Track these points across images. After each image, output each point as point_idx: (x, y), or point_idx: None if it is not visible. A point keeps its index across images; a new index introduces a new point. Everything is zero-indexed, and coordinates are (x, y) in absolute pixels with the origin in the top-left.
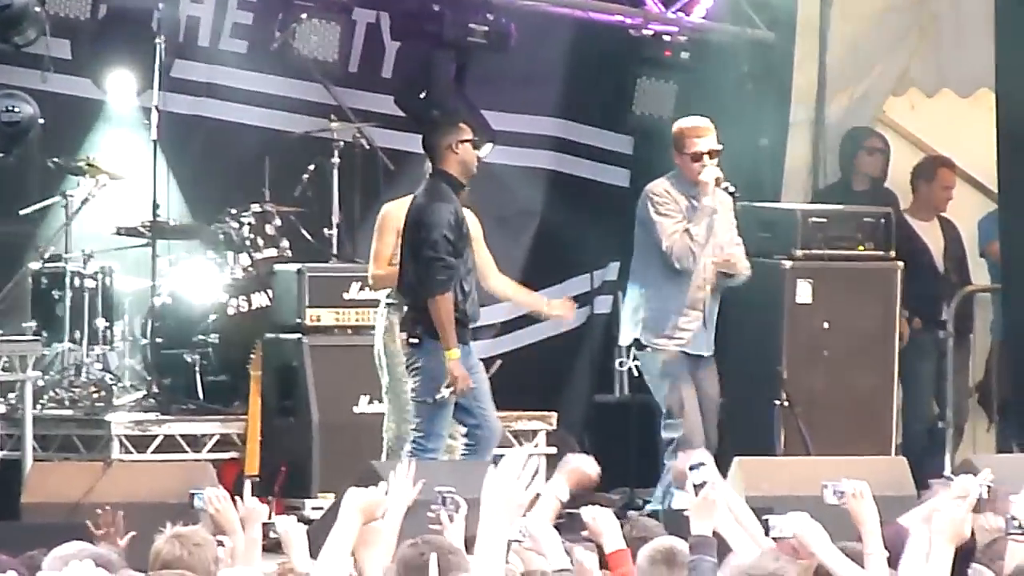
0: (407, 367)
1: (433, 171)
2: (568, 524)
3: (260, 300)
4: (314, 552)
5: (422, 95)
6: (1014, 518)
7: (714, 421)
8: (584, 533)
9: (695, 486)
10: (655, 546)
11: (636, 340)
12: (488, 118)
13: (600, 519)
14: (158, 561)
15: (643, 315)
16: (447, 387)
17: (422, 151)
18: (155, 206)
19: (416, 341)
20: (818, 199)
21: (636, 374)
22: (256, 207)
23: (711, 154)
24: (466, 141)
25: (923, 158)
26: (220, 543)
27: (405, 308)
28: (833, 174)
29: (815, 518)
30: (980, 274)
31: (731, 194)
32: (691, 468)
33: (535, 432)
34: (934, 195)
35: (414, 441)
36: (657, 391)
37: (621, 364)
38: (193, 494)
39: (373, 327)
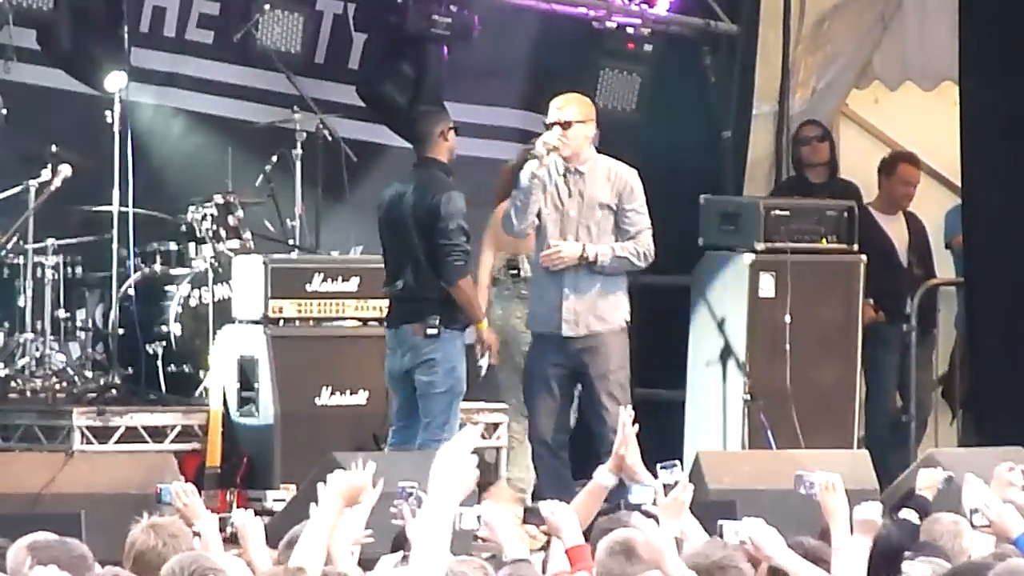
0: (422, 359)
1: (423, 159)
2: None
3: (222, 291)
4: (272, 544)
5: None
6: (975, 510)
7: (607, 397)
8: (543, 528)
9: (666, 486)
10: (614, 538)
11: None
12: (452, 110)
13: (559, 514)
14: (133, 551)
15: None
16: (483, 356)
17: (385, 142)
18: (118, 196)
19: (435, 332)
20: (779, 192)
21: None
22: (219, 198)
23: (563, 125)
24: (452, 128)
25: (888, 153)
26: (196, 534)
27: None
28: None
29: (779, 512)
30: (945, 267)
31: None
32: (662, 467)
33: (497, 424)
34: (894, 190)
35: (429, 431)
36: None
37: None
38: (159, 488)
39: (335, 318)
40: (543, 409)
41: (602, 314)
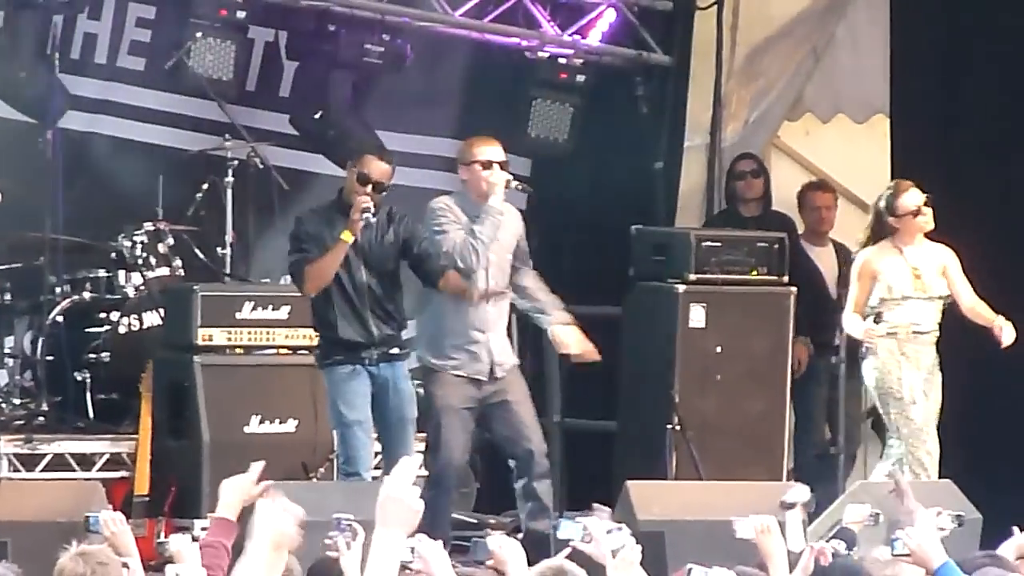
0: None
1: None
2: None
3: (152, 319)
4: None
5: (318, 115)
6: (896, 538)
7: (530, 433)
8: (490, 562)
9: (613, 551)
10: (548, 564)
11: (419, 360)
12: (386, 139)
13: (505, 548)
14: None
15: (426, 336)
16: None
17: (317, 171)
18: (48, 223)
19: (318, 366)
20: (711, 224)
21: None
22: (149, 225)
23: (502, 165)
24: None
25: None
26: (125, 564)
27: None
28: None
29: (708, 543)
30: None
31: (526, 193)
32: (608, 532)
33: (425, 454)
34: (810, 219)
35: (339, 467)
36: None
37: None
38: (88, 516)
39: (265, 347)
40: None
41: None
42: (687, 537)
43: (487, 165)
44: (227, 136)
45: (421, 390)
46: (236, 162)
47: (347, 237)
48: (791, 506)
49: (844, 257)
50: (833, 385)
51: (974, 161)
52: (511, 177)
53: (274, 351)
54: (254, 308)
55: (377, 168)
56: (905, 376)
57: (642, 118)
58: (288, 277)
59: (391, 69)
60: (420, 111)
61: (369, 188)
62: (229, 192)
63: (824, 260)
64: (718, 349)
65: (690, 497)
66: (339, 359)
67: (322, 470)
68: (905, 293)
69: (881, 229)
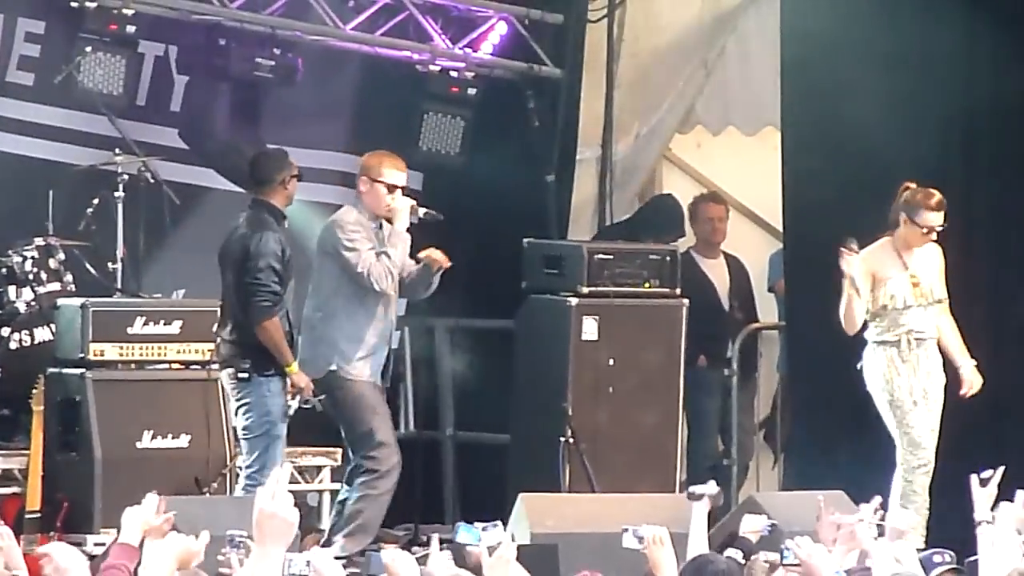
0: (237, 403)
1: (256, 202)
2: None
3: (43, 334)
4: None
5: (207, 129)
6: (787, 548)
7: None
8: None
9: (489, 548)
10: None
11: (331, 371)
12: None
13: (398, 561)
14: None
15: (339, 347)
16: (294, 399)
17: (208, 185)
18: None
19: (245, 376)
20: (604, 236)
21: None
22: (39, 240)
23: (403, 190)
24: (295, 176)
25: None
26: None
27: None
28: (620, 211)
29: (602, 555)
30: (767, 311)
31: (437, 219)
32: (483, 529)
33: (320, 468)
34: (702, 230)
35: (249, 477)
36: (356, 424)
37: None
38: None
39: (157, 362)
40: None
41: None
42: (580, 549)
43: (391, 189)
44: (117, 151)
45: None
46: (127, 177)
47: None
48: (699, 497)
49: (736, 270)
50: (726, 396)
51: (864, 173)
52: (416, 203)
53: (166, 366)
54: (146, 323)
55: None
56: (904, 383)
57: (534, 131)
58: (181, 291)
59: (282, 83)
60: (312, 125)
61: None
62: (120, 207)
63: (716, 272)
64: (611, 361)
65: (583, 509)
66: (273, 373)
67: (215, 484)
68: (907, 302)
69: (896, 218)
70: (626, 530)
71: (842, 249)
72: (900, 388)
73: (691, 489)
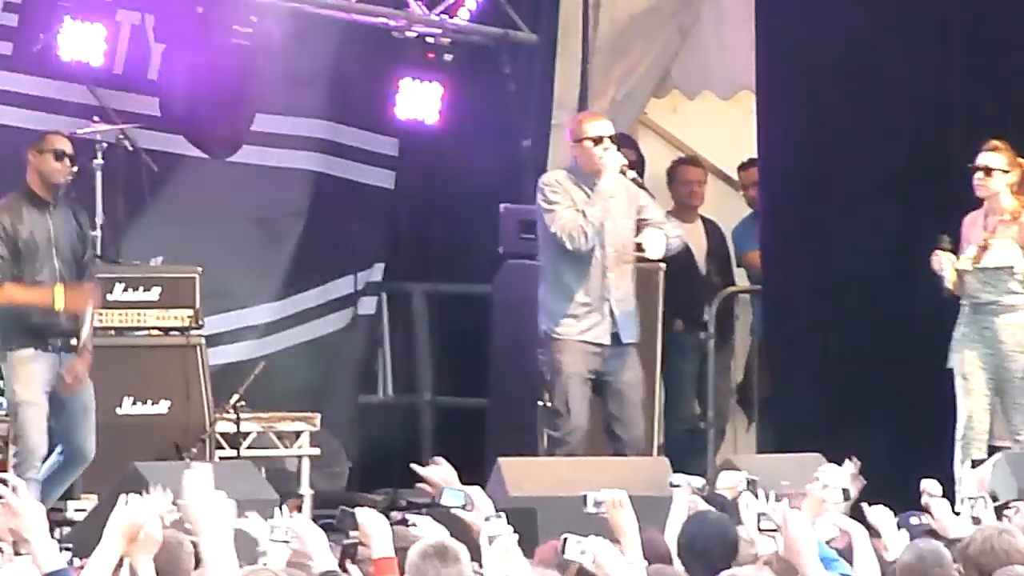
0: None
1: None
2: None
3: None
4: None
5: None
6: (762, 514)
7: (636, 409)
8: (354, 534)
9: (489, 538)
10: (427, 542)
11: (543, 332)
12: (255, 120)
13: (372, 522)
14: None
15: (548, 307)
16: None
17: (186, 153)
18: None
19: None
20: None
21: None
22: None
23: (611, 139)
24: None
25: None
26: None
27: None
28: None
29: (580, 518)
30: (742, 275)
31: (638, 184)
32: (486, 519)
33: (299, 433)
34: (679, 193)
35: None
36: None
37: None
38: None
39: (136, 328)
40: None
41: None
42: (559, 513)
43: (598, 140)
44: (96, 119)
45: None
46: (105, 145)
47: None
48: (678, 486)
49: (713, 234)
50: (703, 360)
51: (838, 136)
52: (626, 164)
53: (146, 332)
54: (125, 289)
55: None
56: (966, 355)
57: (510, 96)
58: (159, 258)
59: (260, 51)
60: (290, 92)
61: None
62: (99, 175)
63: (693, 236)
64: None
65: (562, 473)
66: (24, 342)
67: (194, 450)
68: (970, 266)
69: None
70: (586, 496)
71: (936, 250)
72: (960, 360)
73: (671, 480)
